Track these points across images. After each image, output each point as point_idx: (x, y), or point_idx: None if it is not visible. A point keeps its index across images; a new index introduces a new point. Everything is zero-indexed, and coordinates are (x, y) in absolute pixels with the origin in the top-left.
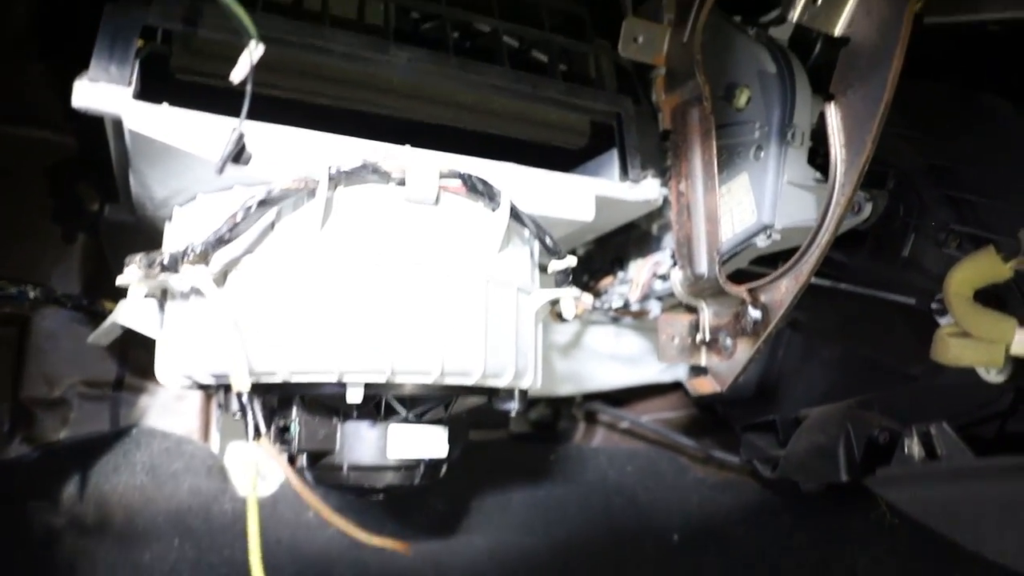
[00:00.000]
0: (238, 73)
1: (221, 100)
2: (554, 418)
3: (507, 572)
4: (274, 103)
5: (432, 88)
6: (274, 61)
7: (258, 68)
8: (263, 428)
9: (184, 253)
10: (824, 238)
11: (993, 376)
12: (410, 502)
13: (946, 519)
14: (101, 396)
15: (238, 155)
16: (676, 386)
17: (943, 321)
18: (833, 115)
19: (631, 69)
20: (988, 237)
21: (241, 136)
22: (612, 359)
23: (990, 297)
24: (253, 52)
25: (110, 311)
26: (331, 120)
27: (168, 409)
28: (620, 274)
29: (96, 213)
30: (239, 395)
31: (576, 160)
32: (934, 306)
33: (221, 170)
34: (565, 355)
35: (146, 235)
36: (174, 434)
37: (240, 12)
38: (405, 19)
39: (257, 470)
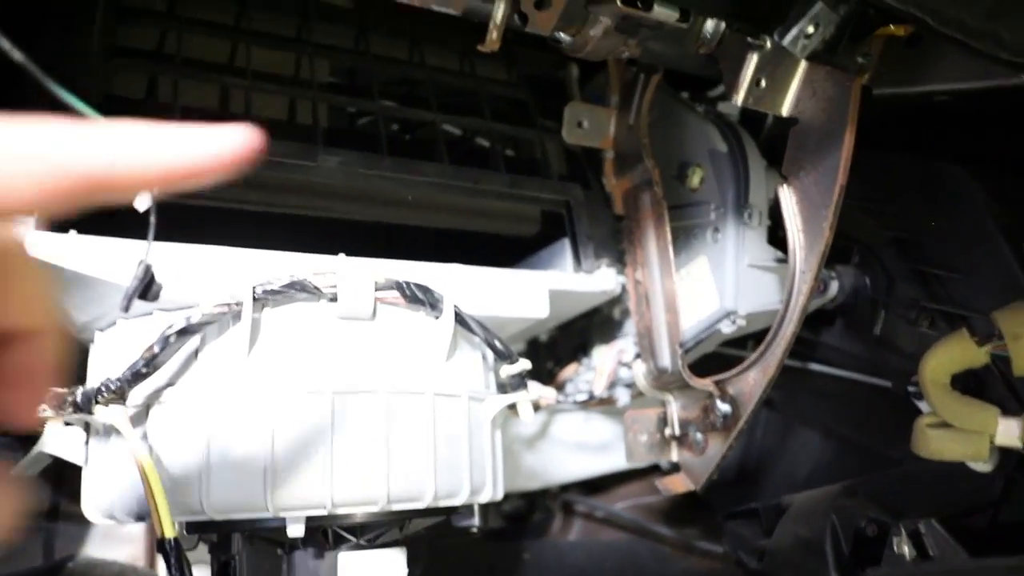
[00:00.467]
0: (142, 202)
1: (137, 216)
2: (528, 509)
3: None
4: (196, 213)
5: (368, 188)
6: None
7: None
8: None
9: (98, 391)
10: (790, 328)
11: (980, 466)
12: None
13: None
14: (33, 528)
15: (146, 289)
16: (655, 468)
17: (922, 405)
18: (788, 198)
19: (580, 153)
20: (960, 314)
21: (148, 269)
22: (581, 448)
23: (969, 381)
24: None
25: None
26: (264, 227)
27: (110, 536)
28: (585, 361)
29: None
30: (163, 542)
31: (530, 247)
32: (911, 389)
33: (127, 308)
34: (532, 448)
35: (76, 353)
36: (117, 563)
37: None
38: (339, 116)
39: None
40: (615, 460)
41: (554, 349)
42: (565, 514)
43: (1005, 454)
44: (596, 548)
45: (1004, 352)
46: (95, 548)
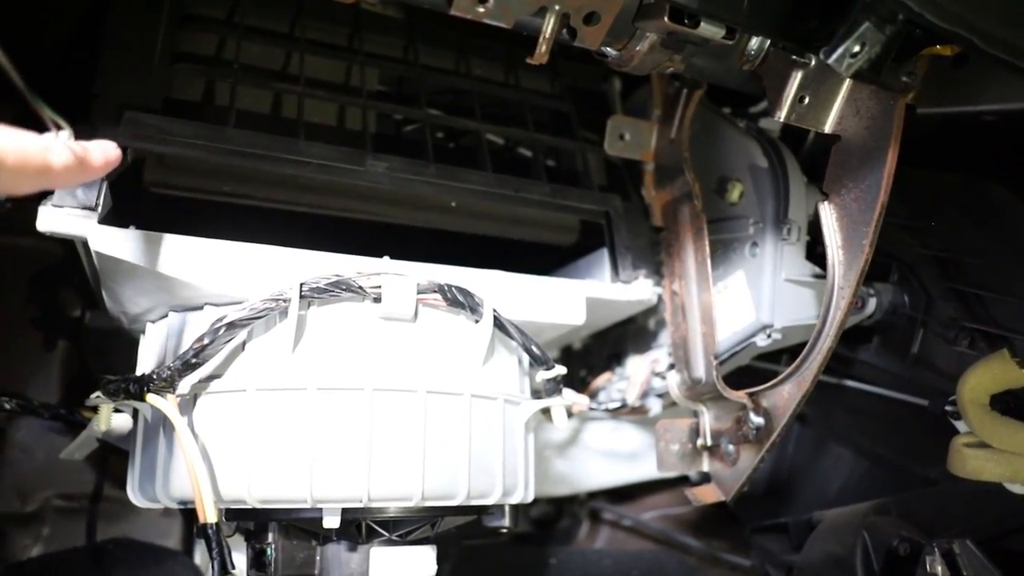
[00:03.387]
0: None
1: (195, 213)
2: (556, 515)
3: None
4: (249, 213)
5: (413, 194)
6: (249, 173)
7: (233, 180)
8: (231, 564)
9: (150, 378)
10: (826, 344)
11: (1018, 488)
12: None
13: None
14: (78, 509)
15: None
16: (684, 479)
17: (959, 425)
18: (829, 215)
19: (621, 164)
20: (1001, 335)
21: None
22: (611, 456)
23: (1009, 401)
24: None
25: (89, 421)
26: (311, 229)
27: (151, 523)
28: (618, 370)
29: (78, 320)
30: (205, 527)
31: (568, 256)
32: (948, 408)
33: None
34: (562, 454)
35: (126, 343)
36: (159, 546)
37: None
38: (387, 122)
39: None
40: (644, 469)
41: (588, 357)
42: (592, 522)
43: None
44: (623, 557)
45: None
46: (136, 532)
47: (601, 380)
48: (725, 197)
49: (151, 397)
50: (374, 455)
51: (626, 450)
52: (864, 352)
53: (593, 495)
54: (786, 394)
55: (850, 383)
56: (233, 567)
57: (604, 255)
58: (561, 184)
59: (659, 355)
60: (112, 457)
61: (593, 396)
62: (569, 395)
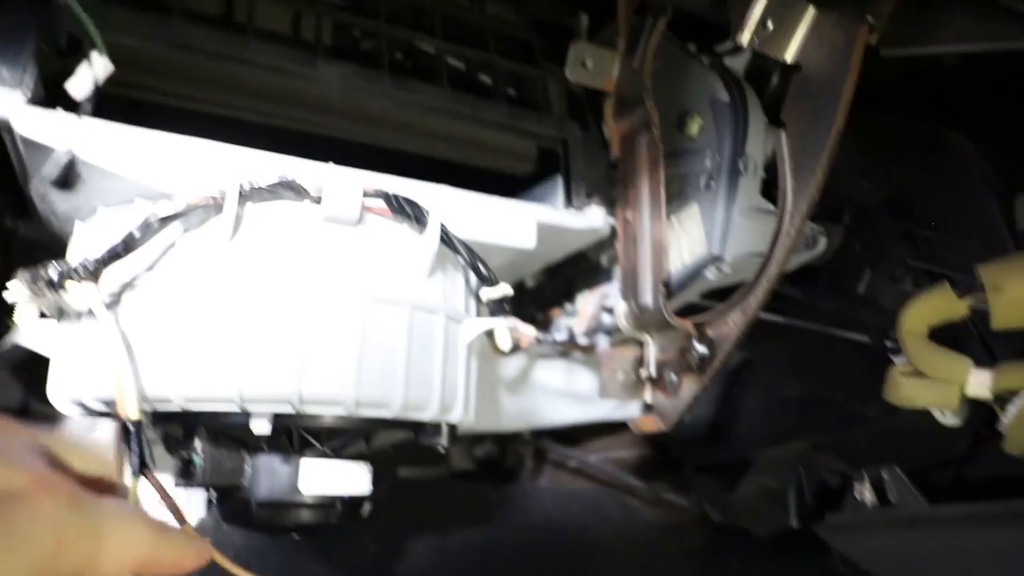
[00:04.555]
0: (79, 89)
1: (133, 110)
2: (500, 456)
3: None
4: (194, 117)
5: (367, 107)
6: (195, 72)
7: (181, 80)
8: (150, 461)
9: (74, 270)
10: (773, 269)
11: (948, 419)
12: (340, 541)
13: (897, 569)
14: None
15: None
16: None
17: (898, 360)
18: (784, 144)
19: (583, 97)
20: (945, 274)
21: (72, 161)
22: (562, 395)
23: (947, 337)
24: (97, 68)
25: None
26: (257, 137)
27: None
28: (568, 306)
29: (9, 231)
30: (126, 423)
31: (524, 187)
32: (889, 344)
33: (43, 198)
34: (511, 390)
35: (58, 254)
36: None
37: (85, 20)
38: (344, 36)
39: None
40: (594, 410)
41: (539, 295)
42: (536, 461)
43: (974, 410)
44: (563, 495)
45: (984, 306)
46: None
47: (551, 315)
48: (684, 131)
49: (73, 288)
50: (307, 356)
51: (576, 390)
52: (811, 292)
53: (539, 435)
54: (731, 323)
55: (796, 323)
56: (153, 464)
57: (558, 182)
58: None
59: (609, 290)
60: (39, 369)
61: (542, 331)
62: (515, 321)
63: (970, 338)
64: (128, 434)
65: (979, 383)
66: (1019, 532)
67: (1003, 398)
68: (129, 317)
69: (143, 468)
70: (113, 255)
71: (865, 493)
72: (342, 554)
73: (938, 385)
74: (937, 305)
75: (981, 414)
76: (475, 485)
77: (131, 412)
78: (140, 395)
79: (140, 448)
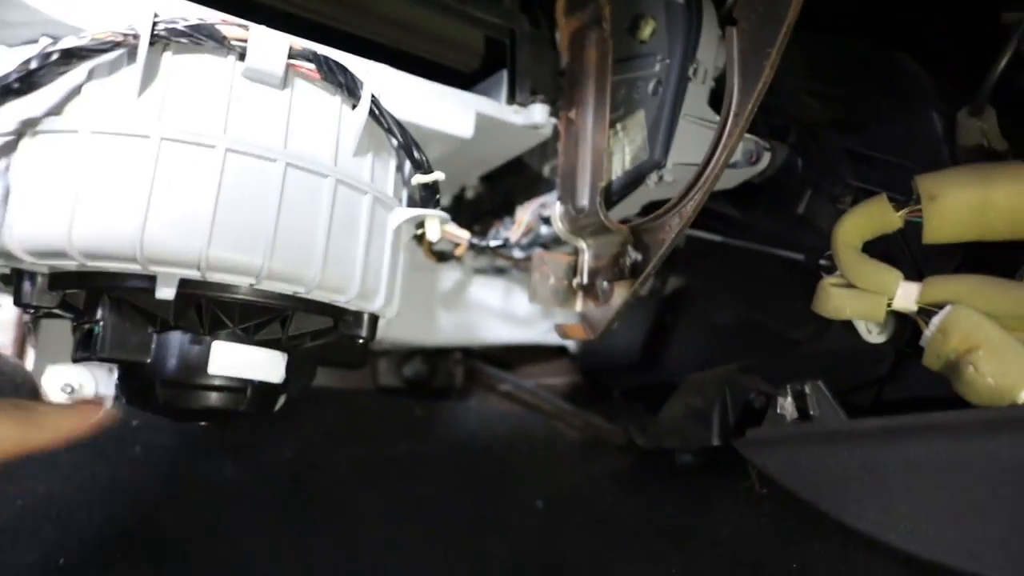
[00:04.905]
0: None
1: None
2: (430, 375)
3: (352, 531)
4: None
5: None
6: None
7: None
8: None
9: None
10: (713, 171)
11: (874, 336)
12: (256, 445)
13: (812, 484)
14: None
15: None
16: (561, 351)
17: (829, 276)
18: (735, 42)
19: None
20: (883, 192)
21: None
22: (498, 315)
23: (879, 255)
24: None
25: None
26: None
27: None
28: (507, 219)
29: None
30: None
31: (468, 86)
32: (822, 263)
33: None
34: (447, 305)
35: None
36: None
37: None
38: None
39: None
40: (529, 332)
41: (479, 206)
42: (467, 383)
43: (899, 327)
44: (489, 414)
45: (918, 218)
46: None
47: (490, 227)
48: (636, 35)
49: None
50: (217, 217)
51: (512, 311)
52: (750, 212)
53: (470, 356)
54: (667, 227)
55: (733, 242)
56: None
57: (503, 77)
58: None
59: (548, 199)
60: None
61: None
62: (450, 226)
63: (902, 258)
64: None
65: (906, 295)
66: (930, 443)
67: (928, 311)
68: (27, 163)
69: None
70: (6, 89)
71: (786, 407)
72: (258, 460)
73: (866, 296)
74: (872, 216)
75: (905, 332)
76: (400, 400)
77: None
78: (37, 249)
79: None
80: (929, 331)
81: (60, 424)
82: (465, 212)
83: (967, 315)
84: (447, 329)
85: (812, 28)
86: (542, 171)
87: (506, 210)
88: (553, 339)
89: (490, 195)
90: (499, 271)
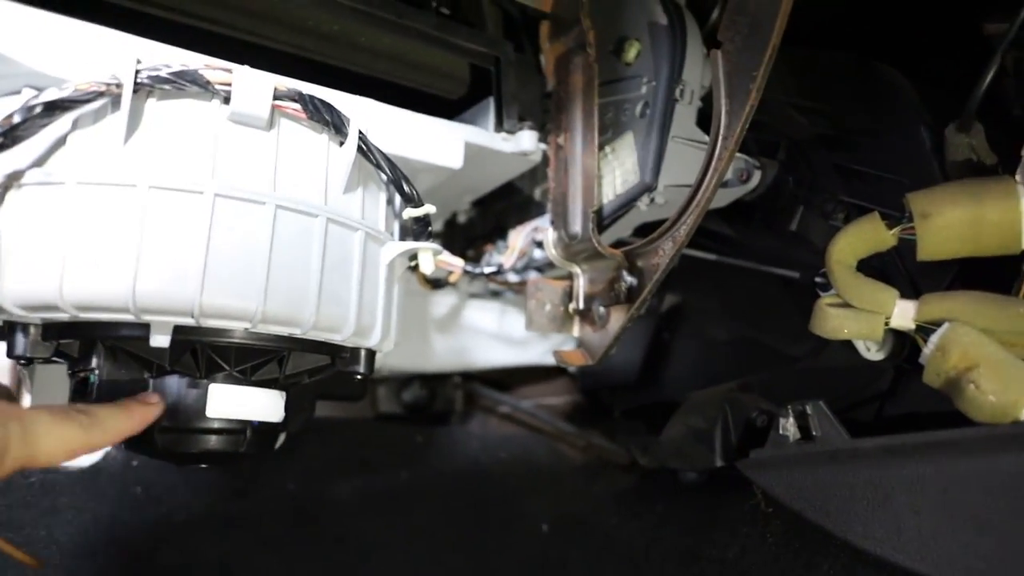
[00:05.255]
0: None
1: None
2: (430, 400)
3: (357, 561)
4: (91, 5)
5: (285, 9)
6: None
7: None
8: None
9: None
10: (705, 195)
11: (873, 354)
12: (258, 479)
13: (818, 504)
14: None
15: None
16: (560, 371)
17: (825, 295)
18: (720, 65)
19: (518, 19)
20: (875, 209)
21: None
22: (494, 337)
23: (874, 272)
24: None
25: None
26: (166, 35)
27: None
28: (499, 243)
29: None
30: None
31: (455, 113)
32: (818, 280)
33: None
34: (442, 330)
35: None
36: None
37: None
38: None
39: None
40: (526, 354)
41: (471, 231)
42: (466, 407)
43: (897, 344)
44: (491, 439)
45: (912, 236)
46: None
47: (483, 251)
48: (621, 57)
49: None
50: (209, 264)
51: (508, 333)
52: (743, 230)
53: (469, 380)
54: (661, 252)
55: (727, 260)
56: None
57: (490, 105)
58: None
59: (541, 223)
60: None
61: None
62: (443, 253)
63: (897, 275)
64: None
65: (903, 314)
66: (933, 463)
67: (925, 329)
68: (14, 217)
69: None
70: None
71: (788, 428)
72: (260, 494)
73: (864, 316)
74: (866, 235)
75: (904, 348)
76: (401, 427)
77: None
78: (29, 304)
79: None
80: (928, 349)
81: (117, 425)
82: (457, 237)
83: (965, 332)
84: (443, 355)
85: (796, 42)
86: (533, 194)
87: (498, 233)
88: (550, 361)
89: (482, 219)
90: (494, 294)
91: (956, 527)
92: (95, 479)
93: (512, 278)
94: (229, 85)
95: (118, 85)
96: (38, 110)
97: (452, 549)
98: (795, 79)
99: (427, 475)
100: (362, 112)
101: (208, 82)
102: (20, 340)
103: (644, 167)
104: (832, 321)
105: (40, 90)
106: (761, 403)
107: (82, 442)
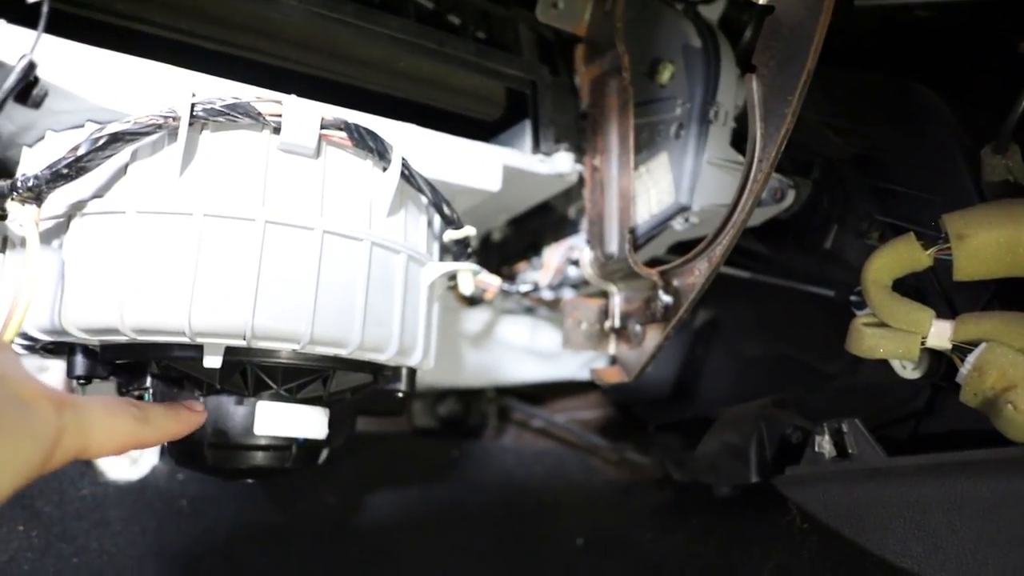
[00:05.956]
0: None
1: (83, 31)
2: (464, 414)
3: (397, 574)
4: (149, 41)
5: (329, 38)
6: None
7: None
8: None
9: (14, 186)
10: (740, 217)
11: (909, 372)
12: (298, 493)
13: (854, 522)
14: None
15: (26, 91)
16: (593, 385)
17: (861, 314)
18: (755, 89)
19: (553, 42)
20: (910, 228)
21: (31, 65)
22: (527, 353)
23: (910, 291)
24: None
25: None
26: (217, 67)
27: None
28: (534, 259)
29: None
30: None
31: (492, 135)
32: (853, 298)
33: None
34: (476, 345)
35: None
36: None
37: None
38: None
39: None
40: (559, 369)
41: (506, 248)
42: (500, 420)
43: (934, 362)
44: (525, 454)
45: (948, 256)
46: None
47: (517, 268)
48: (655, 79)
49: (13, 208)
50: (261, 288)
51: (542, 348)
52: (778, 248)
53: (503, 394)
54: (696, 271)
55: (761, 278)
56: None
57: (526, 127)
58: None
59: (576, 241)
60: None
61: (507, 282)
62: (481, 272)
63: (933, 292)
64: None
65: (939, 334)
66: (972, 482)
67: (962, 349)
68: (76, 244)
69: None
70: (57, 175)
71: (824, 445)
72: (300, 507)
73: (900, 335)
74: (901, 255)
75: (940, 366)
76: (437, 442)
77: (6, 334)
78: (90, 327)
79: None
80: (965, 369)
81: (167, 424)
82: (492, 254)
83: (1003, 353)
84: (477, 370)
85: (831, 61)
86: (567, 213)
87: (533, 251)
88: (585, 374)
89: (516, 237)
90: (527, 309)
91: (995, 546)
92: (143, 492)
93: (547, 295)
94: (279, 116)
95: (175, 118)
96: (102, 142)
97: (488, 564)
98: (829, 98)
99: (463, 490)
100: (404, 137)
101: (259, 114)
102: (80, 361)
103: (679, 188)
104: (868, 341)
105: (101, 123)
106: (796, 419)
107: (133, 436)
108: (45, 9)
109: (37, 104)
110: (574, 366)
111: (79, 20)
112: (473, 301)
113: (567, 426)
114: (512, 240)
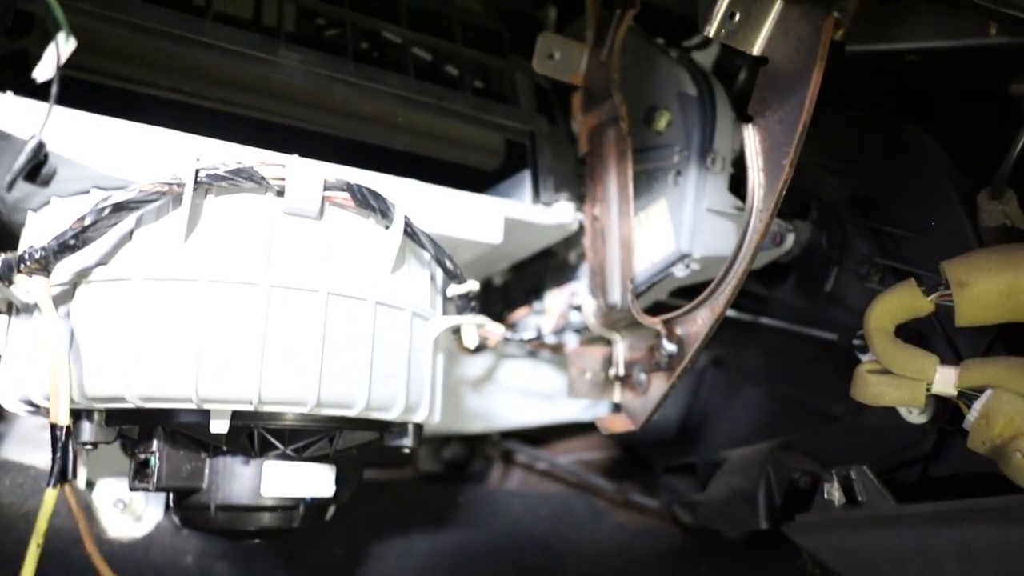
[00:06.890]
0: (43, 71)
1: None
2: (468, 458)
3: None
4: (151, 103)
5: (330, 96)
6: (151, 55)
7: (132, 62)
8: (72, 471)
9: (21, 259)
10: (741, 266)
11: (915, 417)
12: (305, 545)
13: (866, 569)
14: None
15: (35, 169)
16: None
17: (864, 358)
18: (752, 138)
19: (550, 91)
20: (911, 271)
21: (40, 147)
22: (528, 395)
23: (913, 335)
24: (61, 47)
25: None
26: (220, 127)
27: (28, 439)
28: (536, 304)
29: None
30: (54, 427)
31: (491, 184)
32: (856, 342)
33: (10, 187)
34: (477, 390)
35: (7, 244)
36: (33, 467)
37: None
38: (308, 24)
39: (131, 509)
40: (561, 411)
41: (507, 293)
42: (505, 464)
43: (940, 407)
44: (532, 498)
45: (949, 302)
46: (9, 450)
47: (518, 314)
48: (652, 126)
49: (20, 280)
50: (267, 354)
51: (543, 390)
52: (779, 290)
53: (507, 437)
54: (700, 320)
55: (764, 320)
56: (75, 476)
57: (526, 177)
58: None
59: (578, 287)
60: None
61: (510, 329)
62: (483, 319)
63: (935, 336)
64: (54, 439)
65: (944, 380)
66: (985, 529)
67: (967, 395)
68: (82, 312)
69: (63, 478)
70: (64, 246)
71: (834, 492)
72: (307, 559)
73: (905, 383)
74: (903, 302)
75: (947, 411)
76: (442, 488)
77: (60, 416)
78: (96, 394)
79: (64, 456)
80: (972, 417)
81: None
82: (495, 299)
83: (1009, 400)
84: (478, 415)
85: (827, 103)
86: (568, 258)
87: (534, 295)
88: (586, 416)
89: (517, 282)
90: (529, 352)
91: None
92: (148, 550)
93: (549, 340)
94: (282, 180)
95: (179, 184)
96: (107, 212)
97: None
98: (825, 140)
99: (470, 537)
100: (405, 193)
101: (263, 178)
102: (86, 427)
103: (679, 235)
104: (873, 388)
105: (106, 189)
106: (804, 463)
107: None
108: (55, 89)
109: (46, 182)
110: (577, 408)
111: (82, 85)
112: (476, 348)
113: (571, 468)
114: (514, 284)
